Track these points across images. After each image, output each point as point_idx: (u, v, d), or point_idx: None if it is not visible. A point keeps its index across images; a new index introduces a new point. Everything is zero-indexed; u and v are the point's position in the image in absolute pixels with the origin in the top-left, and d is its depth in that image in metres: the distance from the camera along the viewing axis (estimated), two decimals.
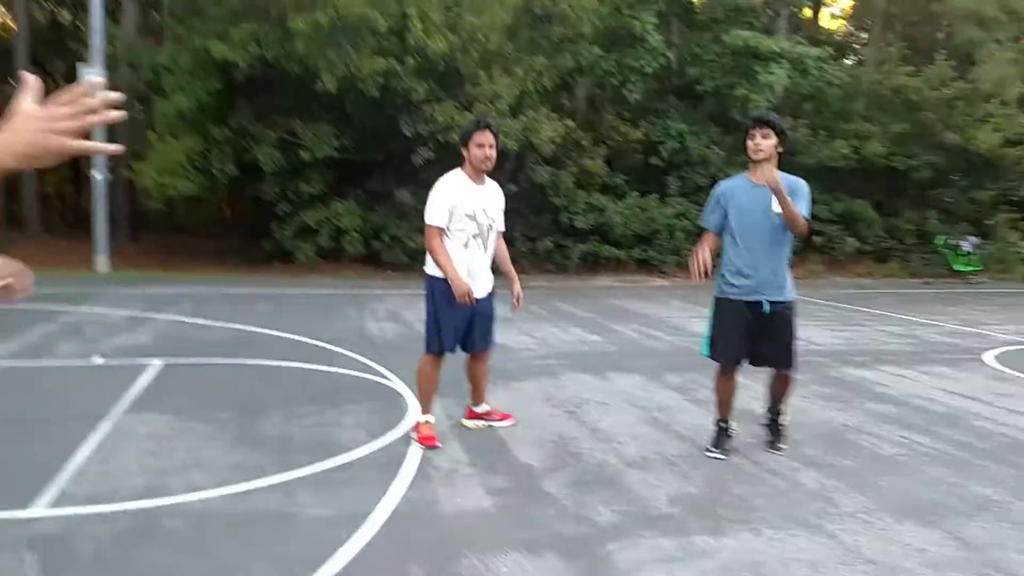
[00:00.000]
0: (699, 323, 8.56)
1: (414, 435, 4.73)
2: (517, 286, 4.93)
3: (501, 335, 7.91)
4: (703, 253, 4.39)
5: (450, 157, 14.33)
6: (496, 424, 5.09)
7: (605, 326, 9.68)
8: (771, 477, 4.32)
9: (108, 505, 3.65)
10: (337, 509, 3.69)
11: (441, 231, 4.61)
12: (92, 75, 15.02)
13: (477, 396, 5.11)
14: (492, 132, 4.67)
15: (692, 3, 19.27)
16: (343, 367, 6.78)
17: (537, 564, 3.21)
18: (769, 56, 16.50)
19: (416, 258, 15.09)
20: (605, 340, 8.67)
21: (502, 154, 14.29)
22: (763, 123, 4.40)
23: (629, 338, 8.89)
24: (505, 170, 15.35)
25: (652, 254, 16.95)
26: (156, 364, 6.71)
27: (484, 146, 4.61)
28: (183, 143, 14.98)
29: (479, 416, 5.11)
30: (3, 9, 24.65)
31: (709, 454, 4.61)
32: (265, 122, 15.12)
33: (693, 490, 4.10)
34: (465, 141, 4.65)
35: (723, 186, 4.70)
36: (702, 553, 3.35)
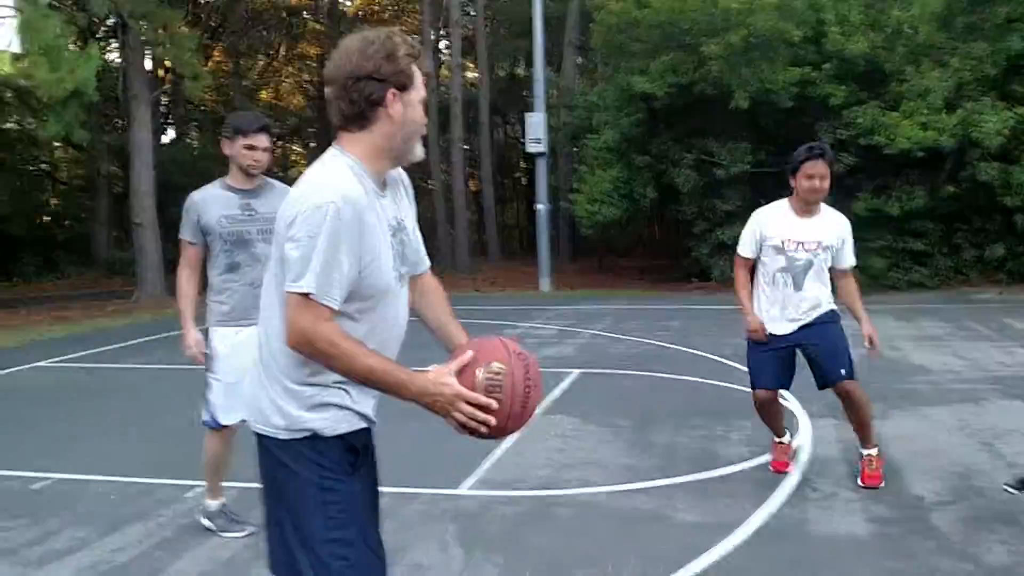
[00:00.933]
0: None
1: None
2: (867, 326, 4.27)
3: (924, 355, 7.32)
4: None
5: (872, 163, 13.59)
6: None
7: None
8: None
9: (515, 491, 4.35)
10: (709, 517, 3.90)
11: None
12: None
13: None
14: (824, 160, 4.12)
15: None
16: (738, 383, 6.91)
17: None
18: None
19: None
20: None
21: (938, 154, 13.07)
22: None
23: None
24: (943, 169, 13.91)
25: None
26: (574, 373, 7.55)
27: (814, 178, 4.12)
28: (610, 173, 16.34)
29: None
30: (472, 66, 29.33)
31: None
32: (683, 145, 15.77)
33: None
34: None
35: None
36: None
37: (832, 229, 4.29)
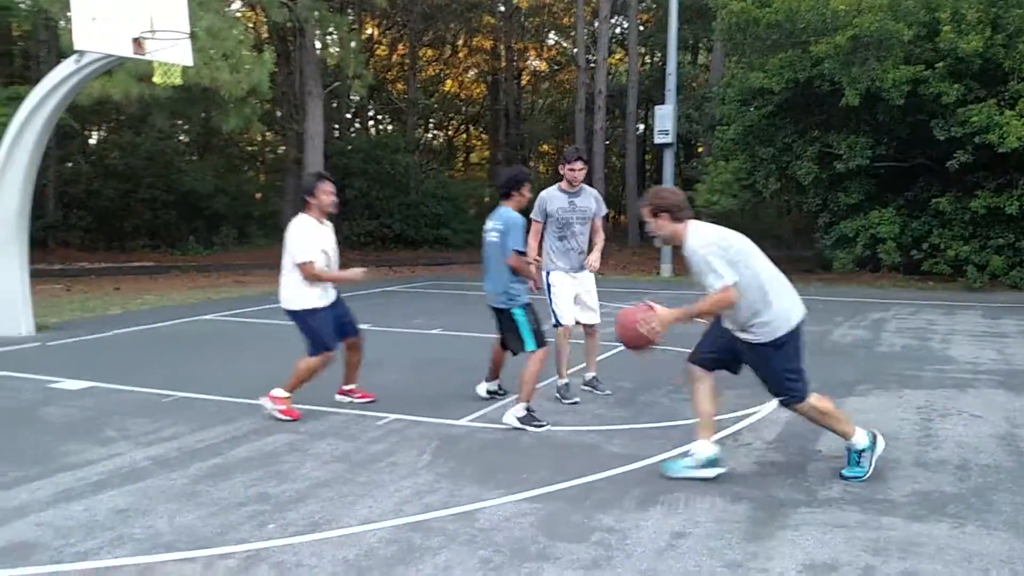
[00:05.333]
0: None
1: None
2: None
3: (963, 349, 7.72)
4: None
5: (993, 160, 13.23)
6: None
7: None
8: None
9: (500, 425, 5.52)
10: (629, 450, 4.89)
11: None
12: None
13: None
14: None
15: None
16: None
17: None
18: None
19: (958, 269, 14.20)
20: None
21: None
22: None
23: None
24: None
25: None
26: (620, 348, 8.51)
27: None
28: (732, 164, 16.82)
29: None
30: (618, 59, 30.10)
31: None
32: (806, 138, 15.96)
33: None
34: None
35: None
36: None
37: None
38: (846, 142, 14.98)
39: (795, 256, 18.32)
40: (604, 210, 6.60)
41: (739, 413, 5.79)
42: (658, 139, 18.39)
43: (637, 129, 27.88)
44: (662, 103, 18.69)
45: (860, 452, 4.40)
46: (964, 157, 13.30)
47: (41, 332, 9.49)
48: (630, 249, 23.84)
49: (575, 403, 6.13)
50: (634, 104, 25.81)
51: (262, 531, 3.71)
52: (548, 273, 6.33)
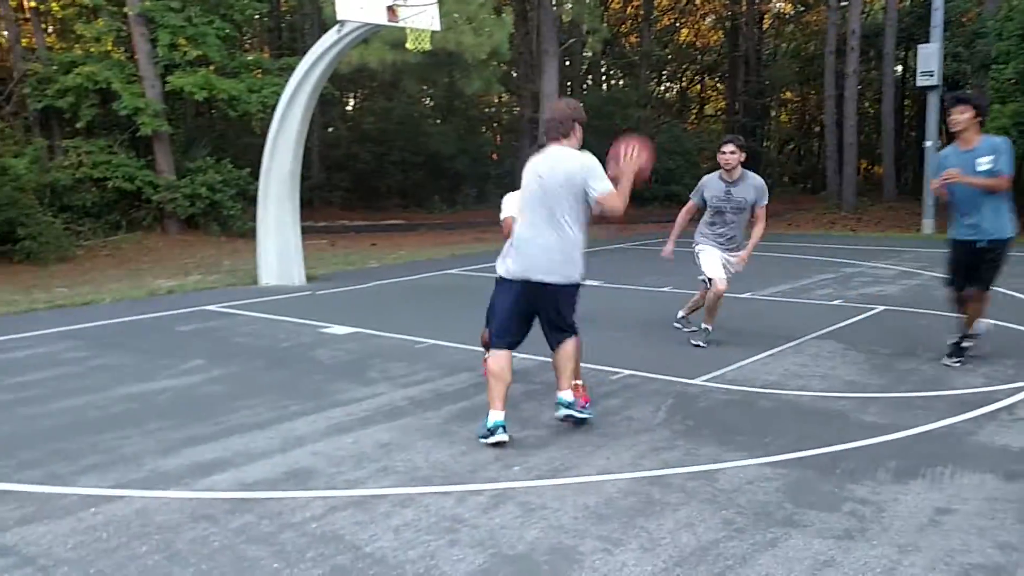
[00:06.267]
0: None
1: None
2: None
3: None
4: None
5: None
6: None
7: None
8: None
9: (735, 386, 5.38)
10: (883, 419, 4.56)
11: None
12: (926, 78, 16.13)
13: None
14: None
15: None
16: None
17: None
18: None
19: None
20: None
21: None
22: (957, 101, 5.43)
23: None
24: None
25: None
26: (878, 309, 7.95)
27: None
28: (1010, 108, 14.85)
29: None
30: None
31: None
32: None
33: None
34: None
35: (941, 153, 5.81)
36: None
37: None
38: None
39: None
40: (765, 200, 6.46)
41: (1017, 384, 5.20)
42: (921, 81, 16.66)
43: (896, 71, 25.37)
44: (926, 41, 16.89)
45: None
46: None
47: (311, 283, 10.55)
48: (885, 203, 21.95)
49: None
50: (892, 44, 23.43)
51: (508, 472, 3.90)
52: (697, 243, 6.60)
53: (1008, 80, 15.10)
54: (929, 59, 16.23)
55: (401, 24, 9.70)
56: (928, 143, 16.55)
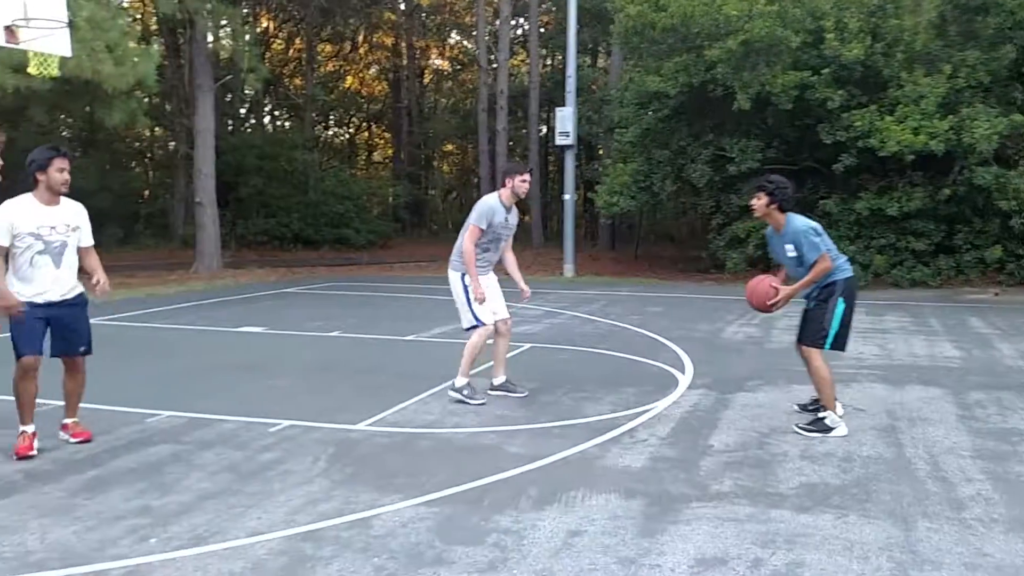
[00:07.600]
0: None
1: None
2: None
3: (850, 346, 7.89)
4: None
5: (875, 164, 14.01)
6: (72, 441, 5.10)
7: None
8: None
9: (396, 428, 5.43)
10: (529, 451, 4.89)
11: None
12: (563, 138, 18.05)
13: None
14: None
15: None
16: (655, 360, 7.80)
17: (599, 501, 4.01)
18: None
19: None
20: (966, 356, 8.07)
21: (931, 157, 13.57)
22: (756, 188, 5.43)
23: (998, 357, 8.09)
24: (945, 172, 14.23)
25: None
26: (525, 347, 8.55)
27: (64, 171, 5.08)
28: (630, 166, 17.16)
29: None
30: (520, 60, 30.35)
31: None
32: (700, 141, 16.45)
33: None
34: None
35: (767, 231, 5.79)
36: None
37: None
38: (738, 145, 15.50)
39: (690, 256, 18.87)
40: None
41: (635, 410, 5.88)
42: (559, 140, 18.57)
43: (539, 130, 28.07)
44: (563, 105, 18.91)
45: None
46: (849, 160, 13.99)
47: None
48: (534, 250, 23.99)
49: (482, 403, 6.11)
50: (536, 105, 26.02)
51: (143, 546, 3.52)
52: (463, 275, 6.26)
53: (628, 142, 17.42)
54: (565, 121, 18.18)
55: (23, 47, 8.58)
56: (567, 196, 18.47)
